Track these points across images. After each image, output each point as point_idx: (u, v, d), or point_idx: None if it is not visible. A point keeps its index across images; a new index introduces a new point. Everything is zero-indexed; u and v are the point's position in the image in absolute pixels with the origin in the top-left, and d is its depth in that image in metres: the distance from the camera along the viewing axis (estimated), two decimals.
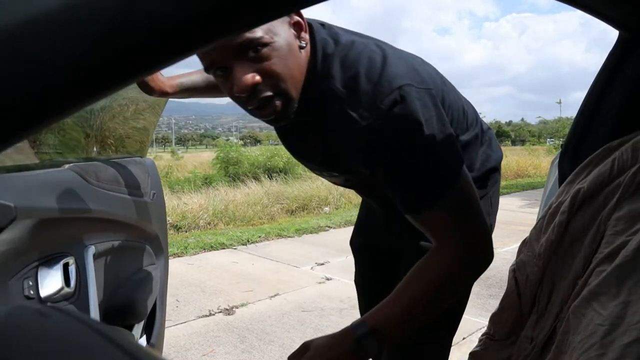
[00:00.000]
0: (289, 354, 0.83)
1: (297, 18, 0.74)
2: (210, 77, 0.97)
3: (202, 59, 0.72)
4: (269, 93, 0.71)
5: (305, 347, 0.83)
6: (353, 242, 1.25)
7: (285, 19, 0.72)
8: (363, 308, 1.23)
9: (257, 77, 0.69)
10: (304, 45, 0.74)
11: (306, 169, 1.01)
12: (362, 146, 0.76)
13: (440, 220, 0.77)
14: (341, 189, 7.97)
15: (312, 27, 0.78)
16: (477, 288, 2.47)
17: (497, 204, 1.16)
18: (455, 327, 1.08)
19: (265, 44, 0.68)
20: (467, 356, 1.31)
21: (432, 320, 0.83)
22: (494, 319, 1.07)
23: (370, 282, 1.21)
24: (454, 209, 0.76)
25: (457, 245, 0.78)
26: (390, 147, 0.73)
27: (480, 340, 1.10)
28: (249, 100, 0.72)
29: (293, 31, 0.73)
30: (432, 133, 0.73)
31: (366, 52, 0.76)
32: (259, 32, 0.67)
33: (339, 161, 0.84)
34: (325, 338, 0.83)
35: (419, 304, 0.79)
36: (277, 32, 0.70)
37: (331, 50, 0.77)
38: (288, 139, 0.92)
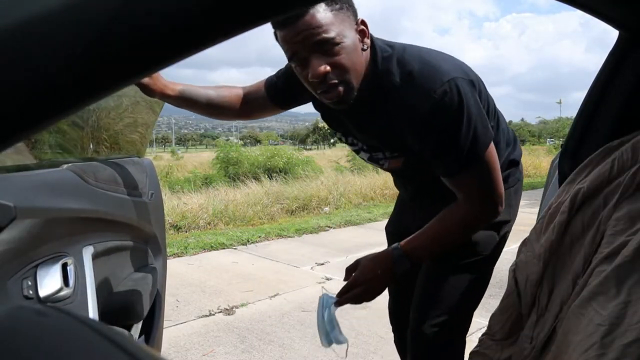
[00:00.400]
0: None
1: (362, 27, 0.94)
2: (211, 96, 1.22)
3: (286, 50, 0.92)
4: (335, 81, 0.92)
5: (357, 263, 1.13)
6: (387, 229, 1.46)
7: (353, 25, 0.93)
8: (391, 289, 1.41)
9: (328, 68, 0.90)
10: (366, 48, 0.95)
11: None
12: (418, 128, 0.98)
13: (469, 182, 1.02)
14: (341, 188, 7.99)
15: (372, 35, 0.99)
16: None
17: (518, 199, 1.26)
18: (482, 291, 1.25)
19: (337, 43, 0.89)
20: (467, 356, 1.31)
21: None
22: (494, 319, 1.07)
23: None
24: (481, 174, 1.01)
25: (477, 202, 1.04)
26: (440, 127, 0.95)
27: (480, 340, 1.10)
28: (320, 85, 0.92)
29: (358, 36, 0.94)
30: (471, 115, 0.95)
31: (418, 53, 0.98)
32: (332, 33, 0.88)
33: (396, 141, 1.06)
34: (370, 257, 1.12)
35: (440, 239, 1.08)
36: (346, 35, 0.91)
37: (388, 53, 0.98)
38: (343, 123, 1.12)
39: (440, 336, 1.18)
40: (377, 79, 0.97)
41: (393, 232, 1.41)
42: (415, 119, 0.96)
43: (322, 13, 0.87)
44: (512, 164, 1.22)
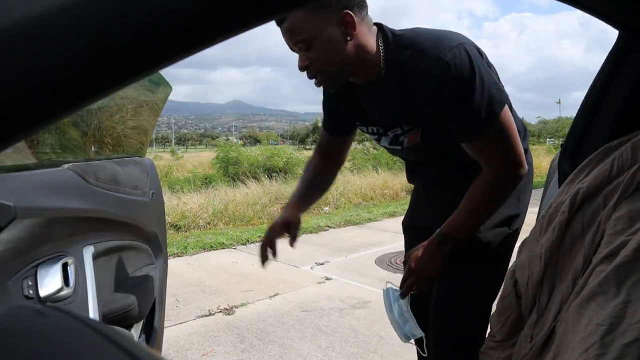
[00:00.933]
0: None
1: (346, 19, 0.99)
2: (316, 182, 1.40)
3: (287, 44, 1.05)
4: (313, 73, 1.05)
5: (409, 255, 1.20)
6: (403, 223, 1.49)
7: (334, 21, 0.99)
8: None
9: (306, 62, 1.03)
10: (350, 38, 1.01)
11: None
12: (434, 92, 1.01)
13: (490, 145, 1.04)
14: (341, 188, 7.99)
15: (383, 27, 1.08)
16: None
17: (528, 192, 1.25)
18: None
19: (310, 43, 1.00)
20: None
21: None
22: (493, 320, 1.07)
23: None
24: (500, 135, 1.03)
25: (500, 165, 1.07)
26: (455, 89, 1.00)
27: (485, 341, 1.10)
28: (307, 74, 1.05)
29: (342, 28, 1.00)
30: (483, 76, 0.99)
31: (425, 29, 1.07)
32: (304, 35, 0.99)
33: (415, 111, 1.09)
34: (418, 247, 1.18)
35: (476, 213, 1.12)
36: (321, 34, 0.99)
37: (399, 32, 1.07)
38: (359, 106, 1.19)
39: (462, 342, 1.21)
40: (390, 57, 1.05)
41: (409, 224, 1.45)
42: (430, 84, 1.01)
43: (297, 16, 0.99)
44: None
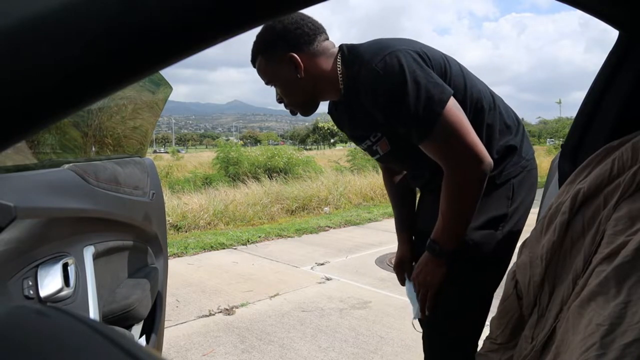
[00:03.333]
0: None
1: (292, 59, 1.12)
2: (406, 194, 1.46)
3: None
4: (285, 104, 1.22)
5: (414, 273, 1.24)
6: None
7: (283, 64, 1.13)
8: None
9: (278, 97, 1.21)
10: (300, 75, 1.13)
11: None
12: (372, 100, 1.07)
13: (439, 144, 1.05)
14: (341, 188, 8.00)
15: (343, 45, 1.16)
16: None
17: (524, 190, 1.21)
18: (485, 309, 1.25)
19: (272, 84, 1.19)
20: None
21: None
22: (494, 323, 1.07)
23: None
24: (447, 133, 1.03)
25: (455, 163, 1.06)
26: (386, 93, 1.04)
27: (484, 344, 1.10)
28: (284, 105, 1.22)
29: (292, 67, 1.13)
30: (417, 78, 1.01)
31: (376, 40, 1.12)
32: (266, 79, 1.19)
33: (370, 121, 1.14)
34: (418, 264, 1.23)
35: (451, 216, 1.11)
36: (277, 75, 1.16)
37: (354, 49, 1.14)
38: (343, 120, 1.29)
39: (453, 344, 1.22)
40: (347, 73, 1.14)
41: (418, 227, 1.46)
42: (368, 94, 1.07)
43: (259, 62, 1.17)
44: (510, 150, 1.19)
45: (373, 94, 1.06)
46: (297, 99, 1.20)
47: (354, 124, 1.25)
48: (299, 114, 1.25)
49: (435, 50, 1.14)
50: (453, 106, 1.04)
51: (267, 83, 1.21)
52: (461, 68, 1.17)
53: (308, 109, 1.22)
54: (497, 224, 1.17)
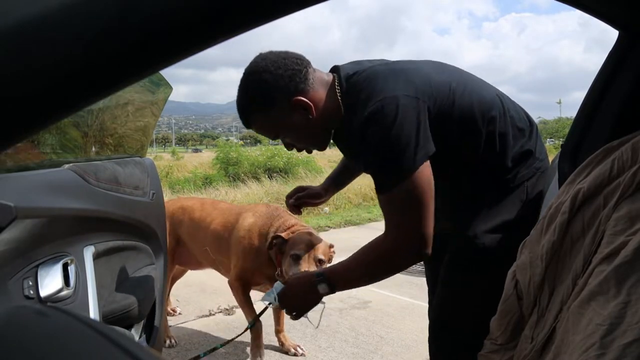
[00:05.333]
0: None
1: (299, 103, 1.05)
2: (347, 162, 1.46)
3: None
4: (298, 148, 1.18)
5: (285, 282, 1.21)
6: None
7: (286, 110, 1.06)
8: (428, 278, 1.43)
9: (289, 144, 1.17)
10: (312, 116, 1.07)
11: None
12: (356, 140, 1.03)
13: (388, 205, 1.03)
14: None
15: (339, 71, 1.11)
16: None
17: (535, 194, 1.17)
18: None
19: (278, 135, 1.14)
20: None
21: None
22: (494, 323, 1.07)
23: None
24: (401, 199, 1.00)
25: (392, 230, 1.04)
26: (365, 143, 1.00)
27: (484, 344, 1.10)
28: (296, 150, 1.19)
29: (301, 111, 1.07)
30: (396, 135, 0.96)
31: (369, 76, 1.05)
32: (270, 134, 1.14)
33: (357, 161, 1.15)
34: (296, 276, 1.24)
35: (359, 269, 1.11)
36: (286, 127, 1.10)
37: (352, 76, 1.08)
38: (343, 147, 1.27)
39: (457, 345, 1.20)
40: (345, 101, 1.09)
41: None
42: (355, 134, 1.03)
43: (257, 120, 1.10)
44: (525, 155, 1.16)
45: (359, 131, 1.02)
46: (314, 140, 1.15)
47: (349, 152, 1.24)
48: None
49: (441, 79, 1.07)
50: (420, 177, 0.98)
51: (274, 138, 1.14)
52: (466, 86, 1.11)
53: (325, 143, 1.17)
54: (511, 228, 1.14)
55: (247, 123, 1.12)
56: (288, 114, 1.07)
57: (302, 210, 1.55)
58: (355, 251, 1.13)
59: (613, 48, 1.08)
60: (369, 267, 1.09)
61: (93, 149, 1.44)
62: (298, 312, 1.18)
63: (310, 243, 1.80)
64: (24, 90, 0.25)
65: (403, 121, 0.96)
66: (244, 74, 1.08)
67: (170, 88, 1.63)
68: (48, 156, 1.22)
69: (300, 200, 1.48)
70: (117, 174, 1.29)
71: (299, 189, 1.49)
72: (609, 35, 1.09)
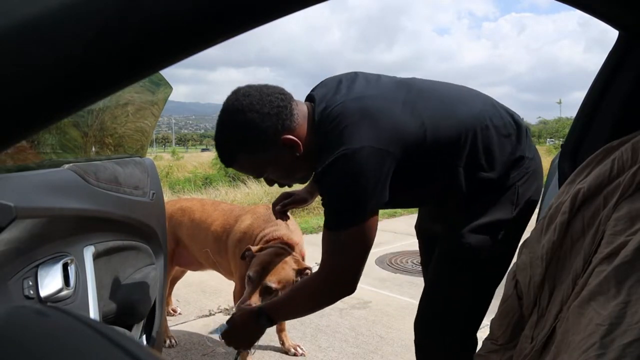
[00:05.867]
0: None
1: (286, 141, 1.04)
2: None
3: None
4: (283, 184, 1.18)
5: (232, 316, 1.25)
6: (415, 225, 1.52)
7: (273, 149, 1.04)
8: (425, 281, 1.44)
9: (273, 181, 1.15)
10: (298, 153, 1.06)
11: None
12: (317, 179, 1.06)
13: (328, 245, 1.09)
14: None
15: (314, 101, 1.09)
16: None
17: (527, 194, 1.18)
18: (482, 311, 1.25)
19: (262, 174, 1.13)
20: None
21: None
22: (494, 323, 1.07)
23: (423, 256, 1.49)
24: (339, 245, 1.06)
25: (328, 274, 1.09)
26: (323, 184, 1.04)
27: (484, 344, 1.10)
28: (278, 185, 1.18)
29: (287, 149, 1.05)
30: (354, 191, 1.00)
31: (339, 117, 1.02)
32: (255, 173, 1.13)
33: None
34: (240, 313, 1.24)
35: (294, 302, 1.17)
36: (272, 166, 1.09)
37: (324, 112, 1.05)
38: None
39: (445, 346, 1.21)
40: (316, 144, 1.07)
41: (418, 227, 1.49)
42: (317, 173, 1.06)
43: (241, 161, 1.07)
44: (517, 161, 1.16)
45: (321, 173, 1.03)
46: (299, 174, 1.15)
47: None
48: None
49: (413, 119, 1.06)
50: (369, 225, 1.04)
51: (258, 177, 1.14)
52: (442, 115, 1.10)
53: (309, 177, 1.18)
54: (499, 229, 1.15)
55: (228, 162, 1.09)
56: (275, 153, 1.05)
57: (289, 215, 1.58)
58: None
59: (613, 48, 1.08)
60: (303, 303, 1.17)
61: (93, 149, 1.44)
62: (245, 345, 1.26)
63: (267, 267, 1.69)
64: (24, 90, 0.25)
65: (363, 174, 0.99)
66: (226, 112, 1.04)
67: (170, 88, 1.63)
68: (48, 156, 1.22)
69: (286, 207, 1.49)
70: (117, 174, 1.29)
71: (285, 196, 1.51)
72: (609, 35, 1.10)
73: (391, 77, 1.18)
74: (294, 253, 1.82)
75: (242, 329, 1.21)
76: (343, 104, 1.04)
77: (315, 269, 1.76)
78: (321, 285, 1.12)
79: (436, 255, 1.22)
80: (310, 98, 1.13)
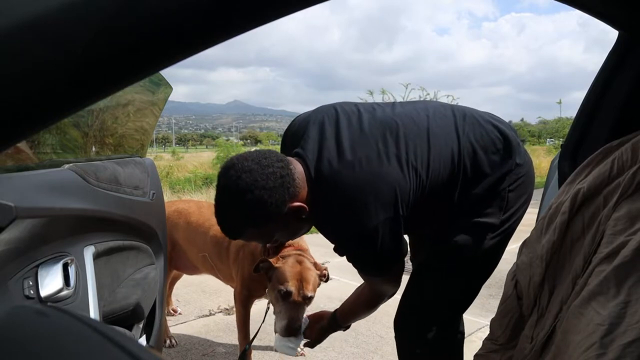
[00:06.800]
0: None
1: (293, 209, 1.05)
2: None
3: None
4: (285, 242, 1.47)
5: (307, 321, 1.55)
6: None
7: (287, 222, 1.08)
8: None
9: (275, 242, 1.38)
10: (305, 216, 1.08)
11: None
12: (329, 236, 1.16)
13: (366, 279, 1.26)
14: None
15: (305, 160, 1.09)
16: None
17: (517, 200, 1.19)
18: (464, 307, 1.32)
19: (268, 241, 1.26)
20: (466, 355, 1.31)
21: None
22: (494, 323, 1.07)
23: (413, 255, 1.56)
24: (374, 283, 1.26)
25: (375, 292, 1.30)
26: (345, 254, 1.16)
27: (483, 344, 1.10)
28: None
29: (294, 214, 1.06)
30: (379, 256, 1.10)
31: (340, 194, 1.05)
32: (261, 241, 1.34)
33: None
34: (314, 318, 1.54)
35: (358, 311, 1.40)
36: (281, 232, 1.15)
37: (317, 183, 1.08)
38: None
39: (425, 342, 1.23)
40: (314, 203, 1.10)
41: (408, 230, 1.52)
42: (330, 240, 1.15)
43: (248, 234, 1.09)
44: (507, 173, 1.17)
45: (339, 242, 1.14)
46: (304, 230, 1.21)
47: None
48: None
49: (409, 174, 1.07)
50: (396, 267, 1.18)
51: (266, 243, 1.28)
52: (433, 158, 1.10)
53: (310, 228, 1.22)
54: (485, 232, 1.15)
55: (235, 237, 1.11)
56: (283, 220, 1.06)
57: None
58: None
59: (613, 48, 1.08)
60: (361, 309, 1.38)
61: (93, 149, 1.44)
62: (314, 345, 1.58)
63: (299, 277, 1.68)
64: (24, 90, 0.25)
65: (386, 243, 1.07)
66: (229, 191, 1.03)
67: (170, 88, 1.63)
68: (48, 156, 1.22)
69: (277, 242, 1.52)
70: (117, 174, 1.29)
71: None
72: (609, 35, 1.10)
73: (371, 112, 1.15)
74: (309, 257, 1.81)
75: (325, 334, 1.50)
76: (340, 174, 1.05)
77: (324, 265, 1.80)
78: (377, 300, 1.32)
79: (423, 254, 1.28)
80: (298, 154, 1.11)
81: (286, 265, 1.71)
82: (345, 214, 1.06)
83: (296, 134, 1.16)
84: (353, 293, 1.39)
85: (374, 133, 1.09)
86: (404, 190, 1.06)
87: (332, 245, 1.16)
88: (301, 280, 1.68)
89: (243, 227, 1.06)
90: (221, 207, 1.05)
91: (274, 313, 1.68)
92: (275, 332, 1.60)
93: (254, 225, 1.05)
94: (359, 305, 1.37)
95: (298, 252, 1.79)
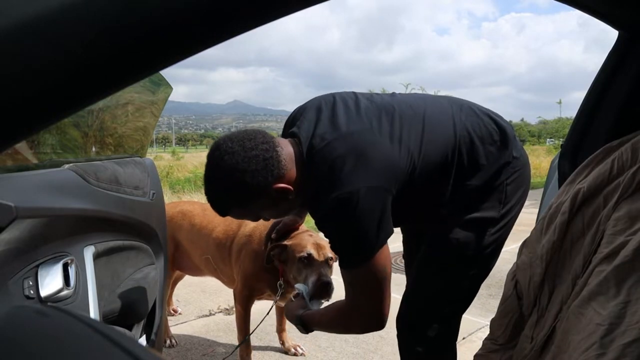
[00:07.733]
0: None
1: (279, 188, 1.05)
2: None
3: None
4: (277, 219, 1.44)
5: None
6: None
7: (272, 201, 1.08)
8: (408, 275, 1.49)
9: (266, 219, 1.23)
10: (291, 196, 1.07)
11: None
12: (317, 219, 1.10)
13: (348, 283, 1.11)
14: None
15: (299, 138, 1.09)
16: None
17: (514, 193, 1.18)
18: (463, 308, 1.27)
19: (257, 219, 1.18)
20: (466, 355, 1.31)
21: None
22: (494, 323, 1.07)
23: (407, 254, 1.55)
24: (356, 283, 1.10)
25: (354, 311, 1.13)
26: (326, 227, 1.08)
27: (483, 344, 1.10)
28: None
29: (280, 195, 1.06)
30: (359, 231, 1.03)
31: (329, 160, 1.03)
32: (248, 218, 1.18)
33: None
34: (290, 307, 1.42)
35: (327, 321, 1.25)
36: (266, 212, 1.14)
37: (309, 158, 1.07)
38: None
39: (426, 339, 1.22)
40: (305, 177, 1.09)
41: (403, 227, 1.50)
42: (316, 214, 1.10)
43: (234, 211, 1.10)
44: (504, 166, 1.17)
45: (321, 217, 1.07)
46: (296, 210, 1.22)
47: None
48: None
49: (401, 153, 1.07)
50: (381, 257, 1.06)
51: (254, 220, 1.20)
52: (427, 142, 1.11)
53: (304, 209, 1.24)
54: (486, 226, 1.16)
55: (222, 214, 1.13)
56: (268, 200, 1.07)
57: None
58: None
59: (613, 48, 1.08)
60: (332, 320, 1.24)
61: (93, 149, 1.44)
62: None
63: (315, 243, 1.70)
64: (24, 90, 0.25)
65: (364, 214, 1.01)
66: (213, 171, 1.06)
67: (170, 88, 1.63)
68: (48, 156, 1.22)
69: (280, 232, 1.53)
70: (117, 174, 1.29)
71: (276, 223, 1.55)
72: (609, 35, 1.10)
73: (369, 98, 1.17)
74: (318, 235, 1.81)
75: (290, 309, 1.38)
76: (330, 144, 1.05)
77: None
78: (350, 318, 1.16)
79: (423, 251, 1.24)
80: (293, 134, 1.12)
81: (298, 238, 1.73)
82: (329, 179, 1.03)
83: (294, 119, 1.18)
84: (332, 308, 1.30)
85: (370, 114, 1.11)
86: (394, 164, 1.05)
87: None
88: (318, 245, 1.71)
89: (228, 206, 1.10)
90: (208, 186, 1.10)
91: (300, 283, 1.63)
92: (310, 298, 1.50)
93: (238, 205, 1.09)
94: (330, 309, 1.26)
95: (306, 231, 1.81)
